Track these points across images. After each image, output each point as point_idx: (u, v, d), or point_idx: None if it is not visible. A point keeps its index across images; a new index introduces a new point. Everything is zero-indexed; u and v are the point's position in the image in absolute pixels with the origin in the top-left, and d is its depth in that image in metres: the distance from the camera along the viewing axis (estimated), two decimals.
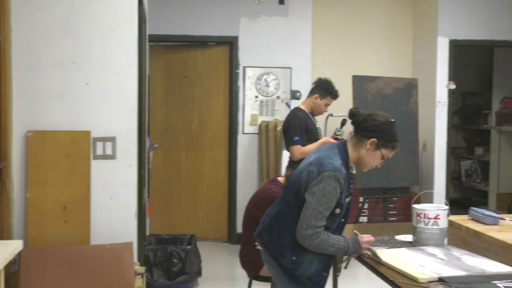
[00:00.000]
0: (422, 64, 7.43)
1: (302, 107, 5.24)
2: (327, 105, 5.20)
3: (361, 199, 6.30)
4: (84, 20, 3.77)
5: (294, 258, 2.88)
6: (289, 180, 3.03)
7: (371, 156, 2.94)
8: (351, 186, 2.98)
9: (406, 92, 6.41)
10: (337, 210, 2.86)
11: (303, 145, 4.96)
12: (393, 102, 6.30)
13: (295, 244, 2.87)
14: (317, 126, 5.23)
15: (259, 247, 3.10)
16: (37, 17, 3.72)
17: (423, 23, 7.42)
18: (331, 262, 2.97)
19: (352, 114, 3.00)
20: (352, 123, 3.02)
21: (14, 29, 3.69)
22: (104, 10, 3.79)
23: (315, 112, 5.19)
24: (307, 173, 2.86)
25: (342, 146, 2.97)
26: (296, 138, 4.98)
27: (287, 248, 2.89)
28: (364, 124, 2.94)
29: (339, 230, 2.97)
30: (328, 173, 2.79)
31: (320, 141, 4.94)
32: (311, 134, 5.12)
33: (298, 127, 5.02)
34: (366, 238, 2.92)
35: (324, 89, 5.13)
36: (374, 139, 2.90)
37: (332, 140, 4.80)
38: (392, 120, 2.99)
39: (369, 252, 2.93)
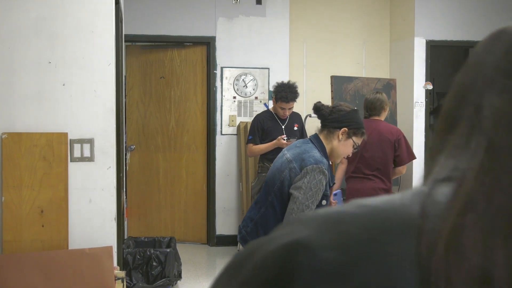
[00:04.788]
0: (399, 64, 7.46)
1: (271, 108, 5.62)
2: (282, 108, 5.37)
3: None
4: (59, 19, 3.68)
5: None
6: (266, 182, 3.02)
7: (344, 146, 2.97)
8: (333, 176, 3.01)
9: (384, 92, 6.41)
10: (324, 202, 2.87)
11: (255, 144, 5.40)
12: None
13: None
14: (283, 126, 5.38)
15: None
16: (10, 15, 3.62)
17: (400, 24, 7.44)
18: None
19: (318, 108, 3.05)
20: (319, 117, 3.05)
21: None
22: (80, 9, 3.71)
23: (278, 114, 5.41)
24: (289, 170, 2.87)
25: (315, 139, 3.00)
26: (250, 137, 5.47)
27: None
28: (332, 116, 2.98)
29: None
30: (311, 167, 2.80)
31: (272, 142, 5.19)
32: (268, 134, 5.33)
33: (252, 127, 5.52)
34: None
35: (273, 92, 5.39)
36: (345, 128, 2.94)
37: (283, 141, 4.99)
38: (356, 108, 3.05)
39: None
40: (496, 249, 0.50)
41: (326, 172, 2.83)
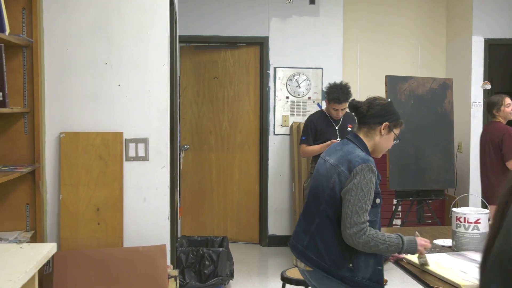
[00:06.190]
0: (456, 64, 7.29)
1: (324, 109, 5.57)
2: (334, 109, 5.32)
3: (394, 201, 6.19)
4: (115, 20, 3.75)
5: (350, 265, 2.76)
6: (313, 192, 2.94)
7: (386, 140, 2.93)
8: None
9: (440, 92, 6.28)
10: (378, 200, 2.78)
11: (309, 145, 5.37)
12: (427, 103, 6.19)
13: (346, 251, 2.76)
14: (336, 127, 5.35)
15: (307, 268, 2.90)
16: (69, 18, 3.71)
17: (457, 22, 7.27)
18: (382, 255, 2.87)
19: (355, 106, 2.97)
20: (356, 115, 2.98)
21: (45, 30, 3.68)
22: (136, 10, 3.77)
23: (331, 115, 5.36)
24: (337, 175, 2.79)
25: (355, 138, 2.93)
26: (303, 137, 5.44)
27: (340, 257, 2.78)
28: (370, 112, 2.91)
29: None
30: (360, 166, 2.73)
31: (326, 143, 5.15)
32: (321, 135, 5.29)
33: (305, 128, 5.47)
34: (423, 241, 2.82)
35: (326, 93, 5.33)
36: (386, 123, 2.89)
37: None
38: (390, 100, 3.00)
39: (421, 258, 2.83)
40: None
41: (375, 169, 2.77)
